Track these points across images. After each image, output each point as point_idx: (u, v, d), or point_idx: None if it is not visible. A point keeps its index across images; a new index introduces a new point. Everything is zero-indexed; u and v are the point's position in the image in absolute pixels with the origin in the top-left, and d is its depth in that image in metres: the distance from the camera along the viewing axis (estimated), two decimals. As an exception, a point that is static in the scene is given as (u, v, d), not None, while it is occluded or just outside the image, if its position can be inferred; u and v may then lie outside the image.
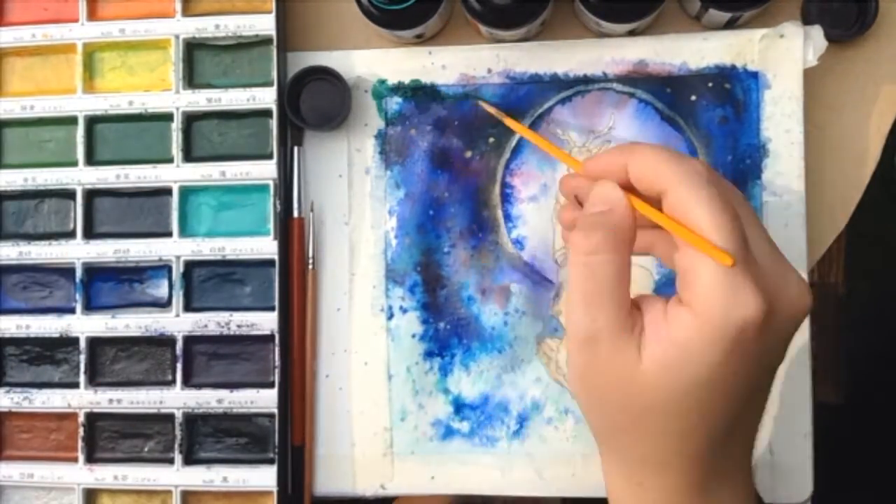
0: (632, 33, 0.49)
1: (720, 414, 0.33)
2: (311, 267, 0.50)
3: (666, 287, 0.49)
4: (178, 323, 0.50)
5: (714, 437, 0.33)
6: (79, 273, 0.51)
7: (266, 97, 0.50)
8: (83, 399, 0.50)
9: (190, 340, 0.50)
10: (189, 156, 0.51)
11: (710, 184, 0.33)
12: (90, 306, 0.51)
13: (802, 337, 0.47)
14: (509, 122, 0.46)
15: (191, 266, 0.51)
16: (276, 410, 0.49)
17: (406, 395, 0.50)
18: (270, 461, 0.49)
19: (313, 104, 0.50)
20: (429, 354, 0.50)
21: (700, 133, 0.49)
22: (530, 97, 0.50)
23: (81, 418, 0.50)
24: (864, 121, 0.49)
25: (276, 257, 0.49)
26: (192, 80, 0.51)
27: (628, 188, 0.35)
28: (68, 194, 0.51)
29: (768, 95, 0.48)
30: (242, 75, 0.51)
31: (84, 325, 0.50)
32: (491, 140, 0.50)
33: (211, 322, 0.50)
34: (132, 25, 0.51)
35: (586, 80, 0.50)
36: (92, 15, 0.51)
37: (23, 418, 0.52)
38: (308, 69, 0.50)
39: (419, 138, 0.50)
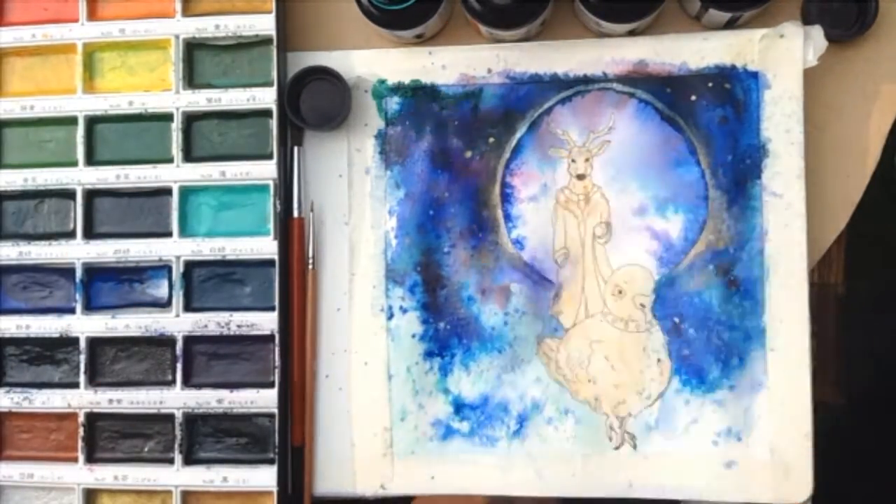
0: (632, 33, 0.49)
1: None
2: (311, 267, 0.50)
3: (666, 287, 0.49)
4: (178, 323, 0.50)
5: None
6: (79, 273, 0.51)
7: (266, 97, 0.50)
8: (83, 399, 0.50)
9: (190, 340, 0.50)
10: (189, 156, 0.51)
11: None
12: (90, 306, 0.51)
13: (802, 336, 0.47)
14: None
15: (191, 266, 0.51)
16: (276, 410, 0.49)
17: (406, 395, 0.50)
18: (270, 461, 0.49)
19: (313, 104, 0.50)
20: (429, 354, 0.50)
21: (700, 133, 0.49)
22: (530, 97, 0.50)
23: (81, 418, 0.50)
24: (864, 121, 0.49)
25: (276, 257, 0.49)
26: (192, 80, 0.51)
27: None
28: (68, 194, 0.51)
29: (768, 95, 0.48)
30: (242, 75, 0.51)
31: (84, 325, 0.50)
32: (491, 140, 0.50)
33: (211, 322, 0.50)
34: (132, 25, 0.51)
35: (586, 80, 0.50)
36: (92, 15, 0.51)
37: (23, 418, 0.52)
38: (308, 69, 0.50)
39: (419, 138, 0.50)
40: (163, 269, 0.51)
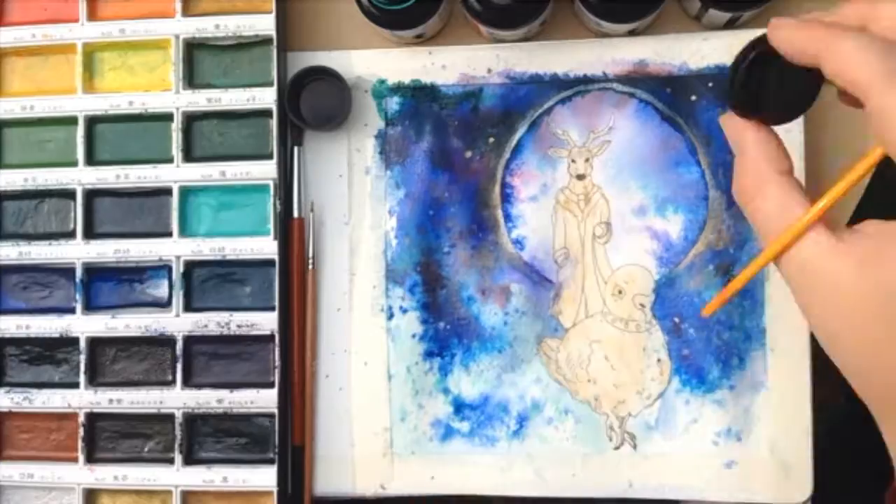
0: (632, 33, 0.49)
1: None
2: (311, 267, 0.50)
3: (666, 287, 0.49)
4: (178, 323, 0.50)
5: None
6: (79, 273, 0.51)
7: (266, 97, 0.50)
8: (83, 399, 0.50)
9: (190, 340, 0.50)
10: (189, 156, 0.51)
11: None
12: (90, 306, 0.51)
13: (802, 336, 0.47)
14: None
15: (191, 266, 0.51)
16: (276, 410, 0.49)
17: (406, 395, 0.50)
18: (270, 461, 0.49)
19: (313, 104, 0.50)
20: (429, 354, 0.50)
21: (700, 133, 0.49)
22: (530, 97, 0.50)
23: (81, 418, 0.50)
24: (864, 120, 0.49)
25: (276, 257, 0.49)
26: (192, 80, 0.51)
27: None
28: (68, 194, 0.51)
29: (768, 95, 0.48)
30: (242, 75, 0.51)
31: (84, 325, 0.50)
32: (491, 140, 0.50)
33: (211, 322, 0.50)
34: (132, 25, 0.51)
35: (586, 80, 0.50)
36: (92, 15, 0.51)
37: (23, 418, 0.52)
38: (308, 69, 0.50)
39: (419, 138, 0.50)
40: (163, 269, 0.51)
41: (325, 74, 0.50)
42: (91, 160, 0.51)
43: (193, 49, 0.51)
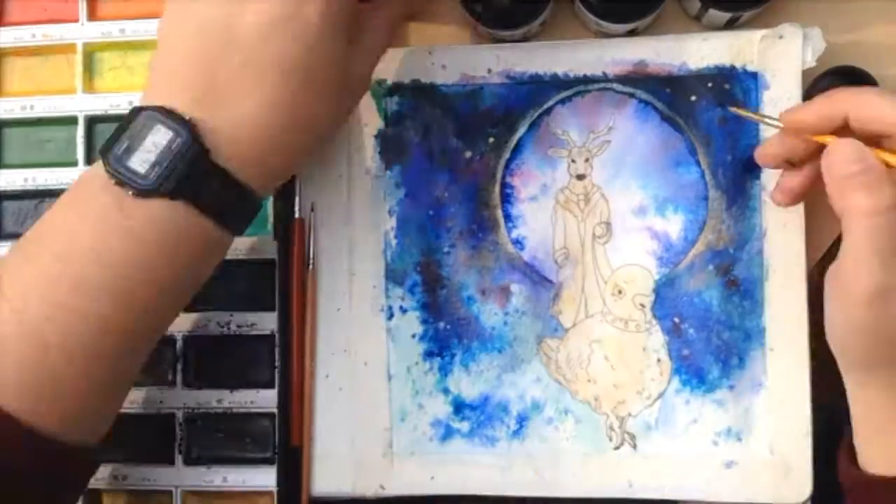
0: (632, 33, 0.49)
1: None
2: (310, 267, 0.50)
3: (666, 287, 0.49)
4: (177, 323, 0.50)
5: None
6: (79, 273, 0.51)
7: (266, 97, 0.50)
8: (83, 399, 0.50)
9: (190, 340, 0.50)
10: (189, 156, 0.51)
11: None
12: (90, 306, 0.51)
13: (802, 336, 0.47)
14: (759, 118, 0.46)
15: (191, 266, 0.50)
16: (275, 410, 0.49)
17: (406, 396, 0.50)
18: (270, 461, 0.49)
19: (313, 104, 0.50)
20: (429, 354, 0.50)
21: (700, 133, 0.49)
22: (530, 97, 0.50)
23: (81, 418, 0.50)
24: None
25: (276, 257, 0.49)
26: (192, 80, 0.51)
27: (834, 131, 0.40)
28: (68, 194, 0.51)
29: (767, 96, 0.48)
30: (242, 75, 0.51)
31: (84, 325, 0.50)
32: (491, 140, 0.50)
33: (211, 322, 0.50)
34: (132, 25, 0.51)
35: (586, 80, 0.50)
36: (92, 15, 0.51)
37: (22, 418, 0.52)
38: (308, 69, 0.50)
39: (419, 138, 0.50)
40: (163, 269, 0.51)
41: (325, 74, 0.50)
42: (91, 160, 0.51)
43: (193, 49, 0.51)
